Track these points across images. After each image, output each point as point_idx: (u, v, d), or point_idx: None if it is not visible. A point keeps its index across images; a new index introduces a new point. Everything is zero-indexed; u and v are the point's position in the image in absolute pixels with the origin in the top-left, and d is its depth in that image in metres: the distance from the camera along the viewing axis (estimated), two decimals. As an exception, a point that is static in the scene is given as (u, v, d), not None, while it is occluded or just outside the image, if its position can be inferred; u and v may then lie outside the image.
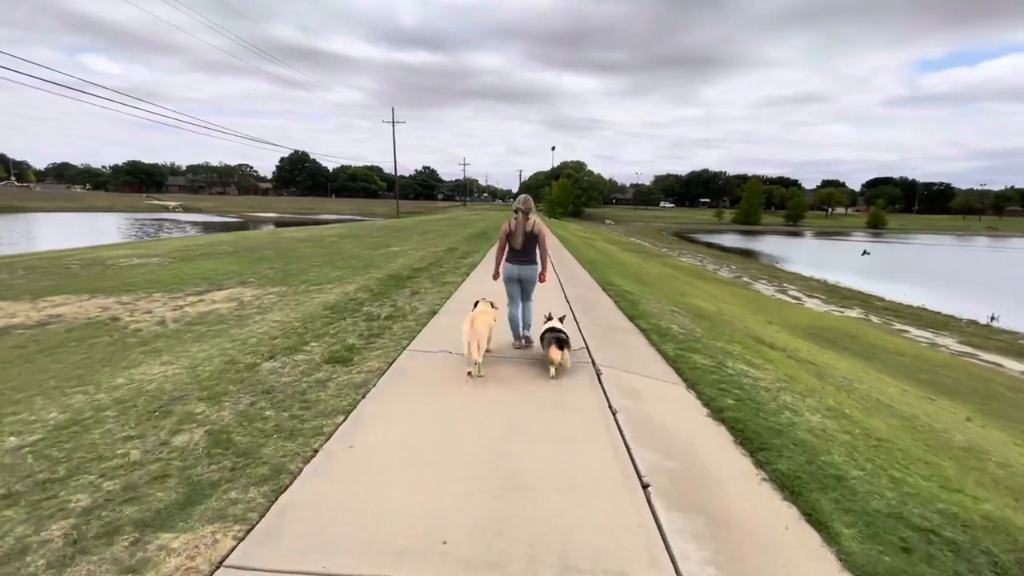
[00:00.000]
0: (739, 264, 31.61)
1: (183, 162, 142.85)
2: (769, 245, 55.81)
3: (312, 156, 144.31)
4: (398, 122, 60.24)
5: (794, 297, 19.32)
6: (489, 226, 28.48)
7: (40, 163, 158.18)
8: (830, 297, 20.21)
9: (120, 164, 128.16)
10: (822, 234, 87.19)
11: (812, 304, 17.95)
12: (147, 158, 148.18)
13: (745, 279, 24.07)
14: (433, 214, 65.41)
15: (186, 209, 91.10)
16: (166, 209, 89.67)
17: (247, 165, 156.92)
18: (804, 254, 46.14)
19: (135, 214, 76.28)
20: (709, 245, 50.10)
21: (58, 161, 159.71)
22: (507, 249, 5.11)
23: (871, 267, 36.59)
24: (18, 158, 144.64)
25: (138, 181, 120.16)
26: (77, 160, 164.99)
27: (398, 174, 74.06)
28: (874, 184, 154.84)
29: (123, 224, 51.21)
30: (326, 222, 59.80)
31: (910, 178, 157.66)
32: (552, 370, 4.33)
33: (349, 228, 23.65)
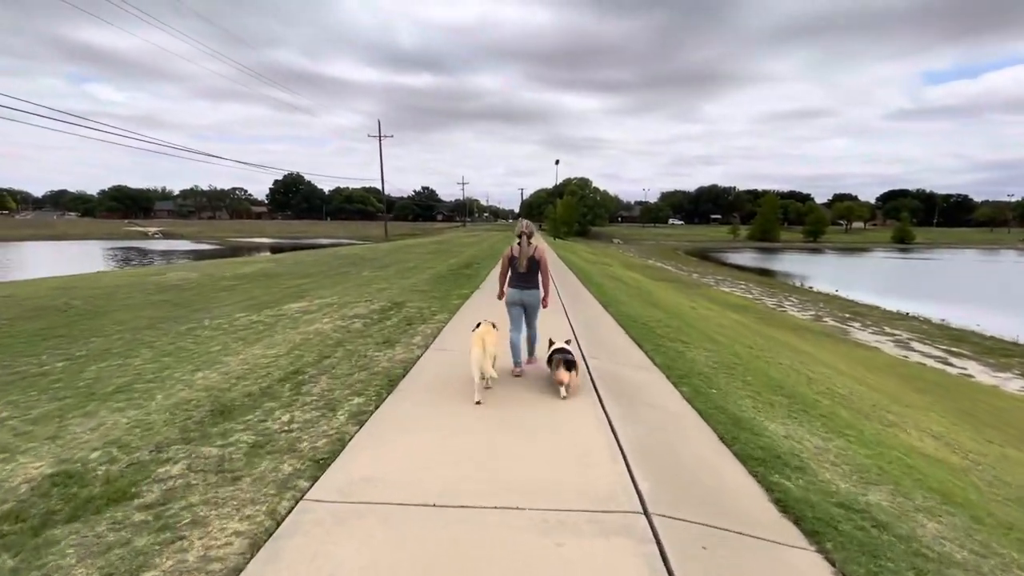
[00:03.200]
0: (798, 295, 25.08)
1: (188, 186, 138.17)
2: (802, 265, 49.30)
3: (307, 178, 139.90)
4: (386, 136, 54.75)
5: (933, 356, 12.80)
6: (480, 253, 22.18)
7: (43, 191, 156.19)
8: (976, 352, 13.68)
9: (106, 190, 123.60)
10: (847, 250, 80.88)
11: (981, 374, 11.41)
12: (153, 184, 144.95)
13: (827, 320, 17.57)
14: (425, 237, 59.40)
15: (167, 235, 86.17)
16: (145, 236, 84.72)
17: (241, 189, 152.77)
18: (850, 275, 39.59)
19: (108, 242, 71.07)
20: (740, 268, 43.64)
21: (55, 189, 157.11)
22: (510, 274, 5.02)
23: (948, 291, 30.12)
24: (19, 187, 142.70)
25: (123, 207, 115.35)
26: (77, 187, 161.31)
27: (389, 194, 68.66)
28: (889, 197, 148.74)
29: (74, 254, 45.37)
30: (312, 247, 54.15)
31: (927, 190, 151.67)
32: (562, 391, 4.22)
33: (279, 262, 17.36)
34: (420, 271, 14.49)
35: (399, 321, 6.81)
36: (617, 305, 9.64)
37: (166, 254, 49.29)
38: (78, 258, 39.30)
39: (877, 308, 22.03)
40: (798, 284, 31.42)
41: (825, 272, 41.66)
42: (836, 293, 27.27)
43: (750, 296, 23.03)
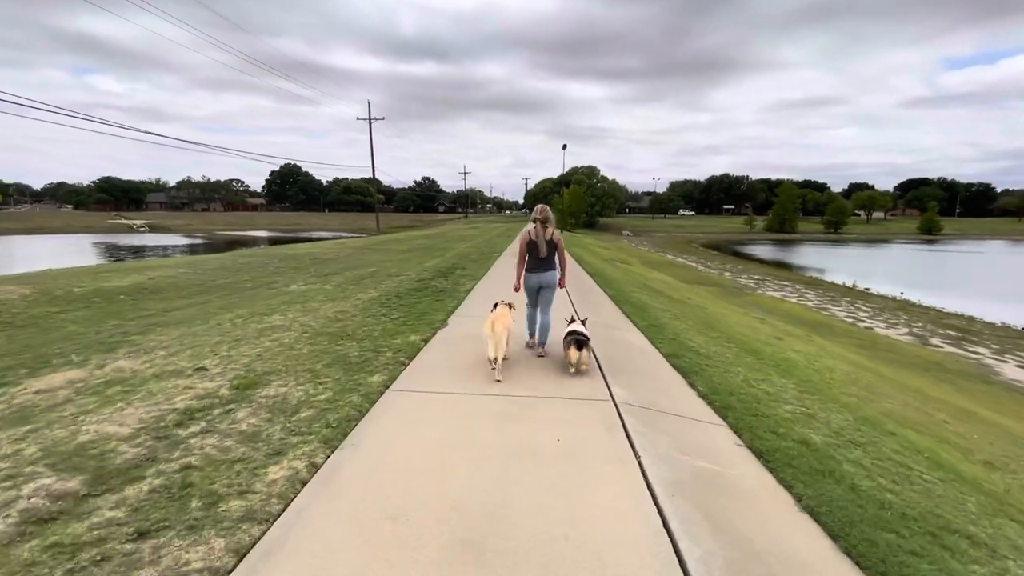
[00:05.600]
0: (863, 301, 20.42)
1: (195, 178, 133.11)
2: (836, 259, 44.44)
3: (304, 168, 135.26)
4: (377, 119, 50.04)
5: None
6: (471, 251, 17.67)
7: (45, 183, 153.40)
8: None
9: (95, 181, 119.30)
10: (872, 242, 75.83)
11: None
12: (154, 176, 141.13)
13: (934, 341, 12.98)
14: (420, 229, 54.92)
15: (153, 228, 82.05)
16: (130, 229, 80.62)
17: (238, 180, 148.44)
18: (897, 271, 34.76)
19: (86, 236, 67.14)
20: (771, 264, 38.86)
21: (56, 181, 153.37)
22: (528, 258, 5.03)
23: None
24: (21, 180, 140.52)
25: (113, 199, 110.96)
26: (77, 180, 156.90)
27: (390, 185, 64.25)
28: (910, 187, 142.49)
29: (26, 251, 41.12)
30: (303, 240, 50.12)
31: (948, 179, 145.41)
32: (571, 369, 4.40)
33: (194, 268, 12.77)
34: (376, 281, 9.99)
35: (134, 507, 2.30)
36: (695, 363, 5.10)
37: (136, 250, 44.94)
38: (25, 257, 34.97)
39: (975, 319, 17.39)
40: (850, 284, 26.69)
41: (867, 268, 36.78)
42: (903, 297, 22.60)
43: (810, 304, 18.41)
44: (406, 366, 4.35)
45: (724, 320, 9.52)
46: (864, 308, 18.27)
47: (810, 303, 18.67)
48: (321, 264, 13.71)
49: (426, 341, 5.21)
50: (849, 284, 26.68)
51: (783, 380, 5.17)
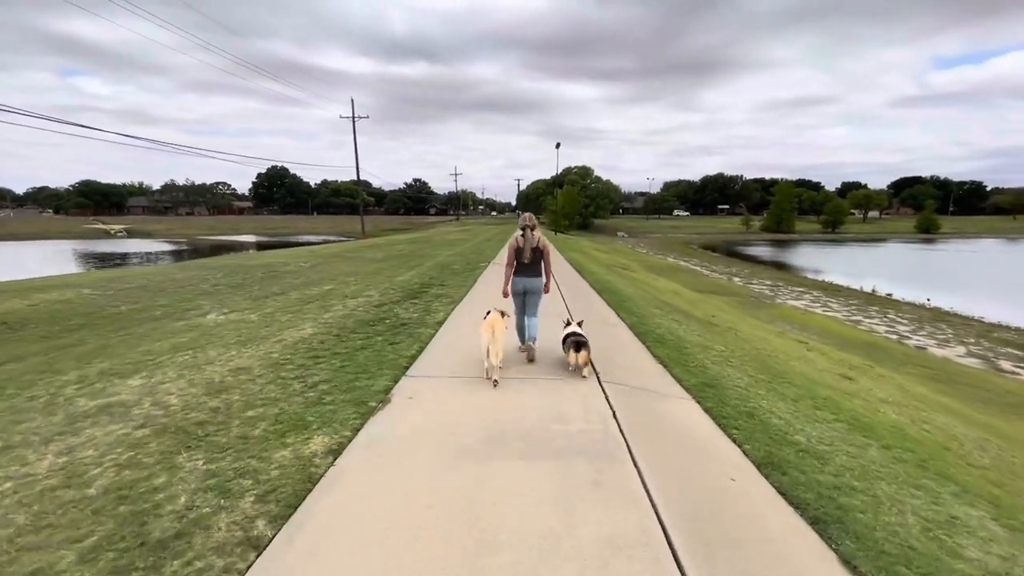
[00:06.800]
0: (894, 310, 18.33)
1: (179, 181, 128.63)
2: (840, 260, 42.52)
3: (292, 170, 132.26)
4: (361, 117, 47.61)
5: None
6: (454, 260, 15.39)
7: (27, 188, 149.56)
8: None
9: (74, 185, 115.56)
10: (870, 241, 74.46)
11: None
12: (139, 179, 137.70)
13: (1008, 367, 10.87)
14: (408, 232, 52.49)
15: (131, 233, 79.07)
16: (107, 234, 77.60)
17: (224, 183, 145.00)
18: (911, 273, 32.84)
19: (59, 242, 64.15)
20: (777, 266, 36.83)
21: (39, 185, 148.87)
22: (515, 263, 5.15)
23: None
24: (6, 185, 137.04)
25: (92, 203, 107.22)
26: (58, 184, 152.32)
27: (380, 187, 61.85)
28: (904, 185, 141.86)
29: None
30: (286, 244, 47.84)
31: (941, 177, 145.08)
32: (575, 370, 4.63)
33: (93, 288, 10.38)
34: (323, 307, 7.67)
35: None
36: (815, 482, 2.87)
37: (105, 257, 42.09)
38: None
39: (1026, 332, 15.37)
40: (868, 289, 24.64)
41: (877, 269, 34.84)
42: (932, 304, 20.57)
43: (839, 315, 16.29)
44: (258, 554, 2.02)
45: (775, 354, 7.28)
46: (900, 320, 16.15)
47: (838, 314, 16.54)
48: (270, 280, 11.35)
49: (336, 453, 2.88)
50: (867, 289, 24.64)
51: (969, 509, 2.92)
